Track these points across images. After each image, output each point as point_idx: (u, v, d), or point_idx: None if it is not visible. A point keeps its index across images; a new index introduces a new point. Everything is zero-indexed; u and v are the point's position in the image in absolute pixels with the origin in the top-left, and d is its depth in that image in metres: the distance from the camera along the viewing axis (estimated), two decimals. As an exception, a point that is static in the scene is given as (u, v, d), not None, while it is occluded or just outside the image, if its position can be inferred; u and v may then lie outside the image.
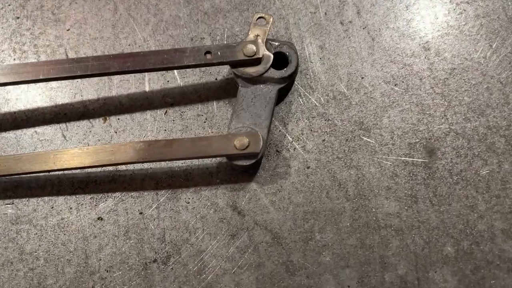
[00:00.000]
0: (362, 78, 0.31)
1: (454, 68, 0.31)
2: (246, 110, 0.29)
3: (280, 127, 0.30)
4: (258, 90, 0.30)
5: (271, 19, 0.30)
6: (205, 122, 0.31)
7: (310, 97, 0.31)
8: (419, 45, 0.31)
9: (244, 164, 0.28)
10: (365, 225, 0.28)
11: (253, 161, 0.28)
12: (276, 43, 0.31)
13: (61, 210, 0.30)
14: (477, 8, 0.32)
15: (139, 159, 0.28)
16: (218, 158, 0.30)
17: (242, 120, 0.29)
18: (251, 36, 0.30)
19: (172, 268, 0.28)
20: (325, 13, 0.33)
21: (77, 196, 0.30)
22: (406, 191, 0.29)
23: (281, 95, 0.31)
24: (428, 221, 0.28)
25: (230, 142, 0.28)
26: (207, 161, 0.30)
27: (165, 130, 0.31)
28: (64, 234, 0.29)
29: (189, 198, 0.29)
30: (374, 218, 0.28)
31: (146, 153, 0.28)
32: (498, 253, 0.27)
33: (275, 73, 0.30)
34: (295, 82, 0.31)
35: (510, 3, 0.32)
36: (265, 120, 0.29)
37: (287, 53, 0.30)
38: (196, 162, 0.30)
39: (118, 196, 0.30)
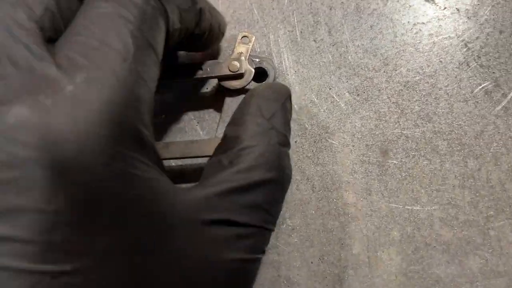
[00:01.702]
0: (330, 89, 0.36)
1: (408, 81, 0.36)
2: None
3: (260, 131, 0.36)
4: (241, 99, 0.35)
5: (253, 38, 0.36)
6: (197, 125, 0.37)
7: (285, 105, 0.36)
8: (380, 60, 0.37)
9: (229, 161, 0.34)
10: (327, 212, 0.34)
11: None
12: (257, 60, 0.36)
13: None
14: (431, 28, 0.37)
15: (142, 157, 0.34)
16: (207, 159, 0.36)
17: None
18: (235, 53, 0.35)
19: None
20: (301, 32, 0.38)
21: (91, 186, 0.36)
22: (362, 185, 0.34)
23: (261, 103, 0.36)
24: (379, 210, 0.34)
25: (216, 145, 0.33)
26: (200, 160, 0.36)
27: (162, 133, 0.37)
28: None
29: (183, 189, 0.35)
30: (335, 207, 0.34)
31: (147, 152, 0.34)
32: (435, 237, 0.33)
33: (255, 85, 0.35)
34: (274, 91, 0.37)
35: (461, 22, 0.37)
36: None
37: (266, 68, 0.36)
38: (189, 161, 0.36)
39: (125, 187, 0.36)
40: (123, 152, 0.18)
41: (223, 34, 0.33)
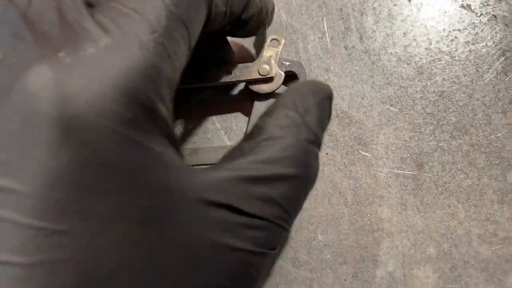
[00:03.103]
0: (362, 98, 0.35)
1: (444, 91, 0.35)
2: None
3: (290, 141, 0.35)
4: (270, 104, 0.34)
5: (283, 41, 0.34)
6: (224, 135, 0.36)
7: (316, 115, 0.35)
8: (414, 69, 0.35)
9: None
10: (361, 228, 0.33)
11: None
12: (287, 63, 0.34)
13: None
14: (467, 36, 0.36)
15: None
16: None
17: (256, 132, 0.34)
18: (265, 56, 0.34)
19: (196, 261, 0.33)
20: (331, 39, 0.37)
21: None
22: (397, 200, 0.33)
23: (291, 112, 0.35)
24: (415, 226, 0.32)
25: None
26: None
27: (189, 142, 0.36)
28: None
29: (210, 202, 0.34)
30: (368, 222, 0.33)
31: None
32: (473, 255, 0.32)
33: (285, 89, 0.34)
34: (303, 101, 0.35)
35: (498, 30, 0.36)
36: None
37: (297, 72, 0.34)
38: (217, 171, 0.35)
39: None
40: (133, 120, 0.18)
41: (270, 20, 0.32)
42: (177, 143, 0.21)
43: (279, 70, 0.34)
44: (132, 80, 0.18)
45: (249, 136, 0.24)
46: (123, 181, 0.17)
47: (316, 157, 0.24)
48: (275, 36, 0.34)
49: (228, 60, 0.34)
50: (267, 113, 0.25)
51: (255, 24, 0.29)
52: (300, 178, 0.23)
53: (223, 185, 0.20)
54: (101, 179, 0.17)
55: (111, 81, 0.17)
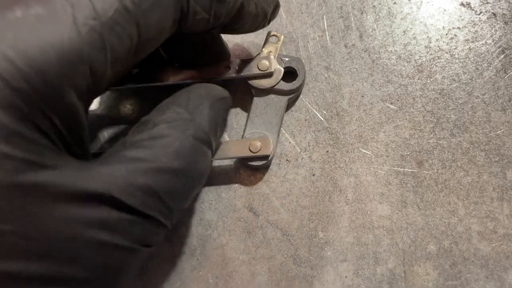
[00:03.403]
0: (362, 96, 0.35)
1: (444, 89, 0.35)
2: (260, 117, 0.34)
3: (290, 139, 0.35)
4: (270, 99, 0.34)
5: (282, 37, 0.34)
6: (225, 133, 0.36)
7: (316, 113, 0.35)
8: (414, 67, 0.35)
9: (257, 164, 0.33)
10: (361, 225, 0.33)
11: (264, 162, 0.32)
12: (287, 59, 0.35)
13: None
14: (467, 34, 0.36)
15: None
16: (236, 167, 0.35)
17: (256, 125, 0.34)
18: (264, 52, 0.34)
19: (198, 259, 0.33)
20: (331, 37, 0.37)
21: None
22: (397, 197, 0.33)
23: (289, 104, 0.35)
24: (415, 223, 0.33)
25: (245, 146, 0.32)
26: (228, 167, 0.35)
27: (190, 140, 0.36)
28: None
29: (211, 200, 0.34)
30: (369, 220, 0.33)
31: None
32: (473, 252, 0.32)
33: (285, 86, 0.34)
34: (304, 99, 0.36)
35: (498, 27, 0.36)
36: (276, 126, 0.34)
37: (296, 68, 0.34)
38: (217, 167, 0.35)
39: (151, 197, 0.35)
40: (27, 91, 0.18)
41: (272, 18, 0.31)
42: (83, 134, 0.21)
43: (279, 66, 0.34)
44: (44, 54, 0.18)
45: (136, 130, 0.23)
46: None
47: (205, 155, 0.24)
48: (274, 33, 0.35)
49: (225, 54, 0.34)
50: (157, 109, 0.24)
51: (251, 29, 0.29)
52: (184, 172, 0.22)
53: (104, 177, 0.20)
54: None
55: (22, 47, 0.17)
